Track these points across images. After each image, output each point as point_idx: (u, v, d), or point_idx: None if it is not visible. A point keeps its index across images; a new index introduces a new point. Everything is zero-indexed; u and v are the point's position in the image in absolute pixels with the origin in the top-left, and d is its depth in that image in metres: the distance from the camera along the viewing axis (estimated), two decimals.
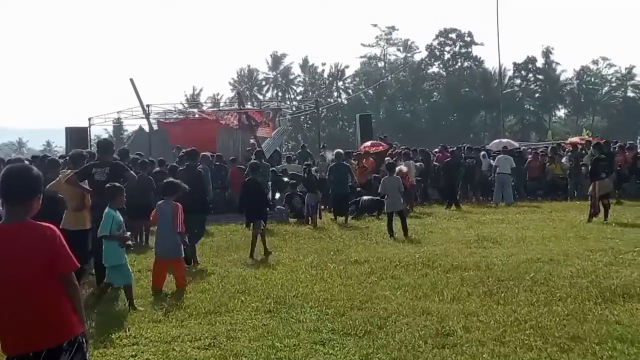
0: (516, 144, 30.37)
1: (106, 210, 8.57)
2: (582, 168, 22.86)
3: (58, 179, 10.27)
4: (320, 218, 17.97)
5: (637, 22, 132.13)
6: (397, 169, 16.26)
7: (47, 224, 3.92)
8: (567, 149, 26.14)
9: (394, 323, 7.25)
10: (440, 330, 6.88)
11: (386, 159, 21.08)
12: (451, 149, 23.89)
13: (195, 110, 42.29)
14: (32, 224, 3.89)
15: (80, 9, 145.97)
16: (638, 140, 29.93)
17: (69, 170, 10.37)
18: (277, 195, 20.05)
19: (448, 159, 22.26)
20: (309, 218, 17.64)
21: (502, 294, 8.35)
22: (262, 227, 12.82)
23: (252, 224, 12.93)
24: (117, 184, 8.99)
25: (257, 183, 13.55)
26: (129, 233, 9.04)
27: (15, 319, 3.82)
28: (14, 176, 3.93)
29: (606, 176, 15.99)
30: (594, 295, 8.12)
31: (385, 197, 15.22)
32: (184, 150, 15.87)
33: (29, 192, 3.94)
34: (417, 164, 21.77)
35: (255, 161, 15.72)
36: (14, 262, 3.79)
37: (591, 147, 18.41)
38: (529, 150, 27.82)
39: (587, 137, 33.49)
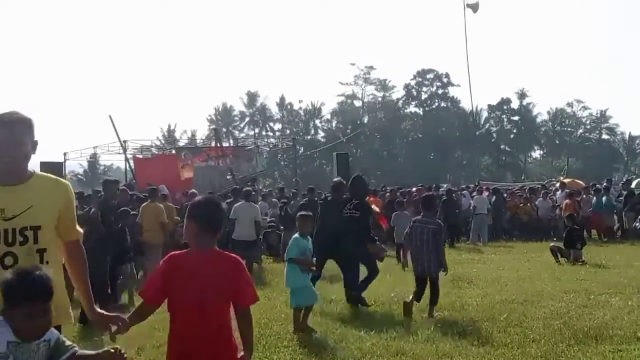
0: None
1: (294, 236, 9.18)
2: (557, 210, 23.09)
3: None
4: None
5: (611, 66, 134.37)
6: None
7: (232, 254, 4.20)
8: (542, 191, 26.35)
9: None
10: None
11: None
12: (448, 189, 23.99)
13: (173, 148, 42.33)
14: (219, 252, 4.16)
15: (57, 42, 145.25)
16: (614, 180, 30.37)
17: None
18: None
19: (445, 199, 21.99)
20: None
21: (476, 335, 8.35)
22: None
23: None
24: (306, 213, 9.56)
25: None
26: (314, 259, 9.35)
27: (194, 344, 3.96)
28: (215, 206, 4.22)
29: (581, 247, 16.19)
30: (567, 336, 8.14)
31: (395, 230, 17.13)
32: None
33: (221, 222, 4.26)
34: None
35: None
36: (206, 288, 3.97)
37: (564, 217, 18.45)
38: (507, 190, 28.04)
39: (561, 178, 33.94)
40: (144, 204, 14.66)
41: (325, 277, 14.16)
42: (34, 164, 3.99)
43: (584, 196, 23.72)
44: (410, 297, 9.88)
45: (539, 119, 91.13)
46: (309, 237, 9.23)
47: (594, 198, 23.02)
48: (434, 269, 9.81)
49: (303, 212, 9.89)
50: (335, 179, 12.28)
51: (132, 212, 12.99)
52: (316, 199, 18.38)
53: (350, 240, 10.51)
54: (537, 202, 24.37)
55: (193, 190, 19.84)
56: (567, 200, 21.96)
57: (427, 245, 9.76)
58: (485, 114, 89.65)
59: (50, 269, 3.61)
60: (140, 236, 13.74)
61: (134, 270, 13.20)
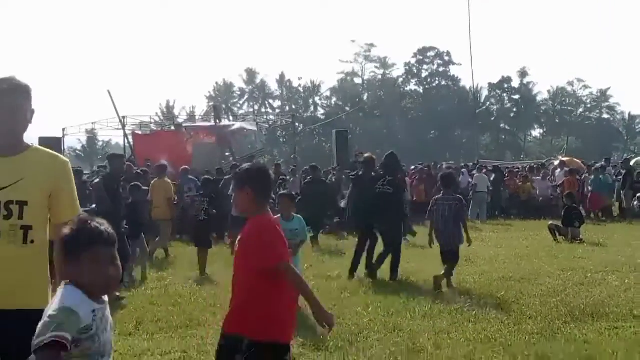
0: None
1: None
2: (558, 189, 23.08)
3: None
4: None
5: (612, 45, 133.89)
6: None
7: (264, 217, 4.19)
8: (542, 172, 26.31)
9: (366, 339, 7.27)
10: (411, 346, 6.90)
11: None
12: (448, 167, 24.07)
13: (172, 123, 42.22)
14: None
15: (55, 17, 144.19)
16: (612, 160, 30.55)
17: None
18: None
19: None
20: None
21: (473, 312, 8.40)
22: None
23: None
24: (286, 193, 9.80)
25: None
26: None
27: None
28: (266, 172, 4.40)
29: (579, 226, 16.23)
30: (563, 314, 8.19)
31: None
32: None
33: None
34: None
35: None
36: None
37: (564, 196, 18.47)
38: (507, 169, 28.04)
39: (560, 156, 33.92)
40: (153, 181, 14.59)
41: (323, 253, 14.28)
42: (32, 140, 3.81)
43: (587, 175, 23.78)
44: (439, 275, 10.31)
45: (539, 98, 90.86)
46: (294, 215, 8.95)
47: (592, 177, 23.04)
48: (458, 241, 10.60)
49: (283, 192, 9.90)
50: (366, 154, 12.99)
51: (143, 188, 12.86)
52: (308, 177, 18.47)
53: (383, 216, 11.23)
54: (534, 180, 24.32)
55: (185, 166, 19.80)
56: (568, 177, 21.96)
57: (449, 222, 10.52)
58: (485, 93, 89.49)
59: (34, 249, 3.49)
60: (150, 212, 13.67)
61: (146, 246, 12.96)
